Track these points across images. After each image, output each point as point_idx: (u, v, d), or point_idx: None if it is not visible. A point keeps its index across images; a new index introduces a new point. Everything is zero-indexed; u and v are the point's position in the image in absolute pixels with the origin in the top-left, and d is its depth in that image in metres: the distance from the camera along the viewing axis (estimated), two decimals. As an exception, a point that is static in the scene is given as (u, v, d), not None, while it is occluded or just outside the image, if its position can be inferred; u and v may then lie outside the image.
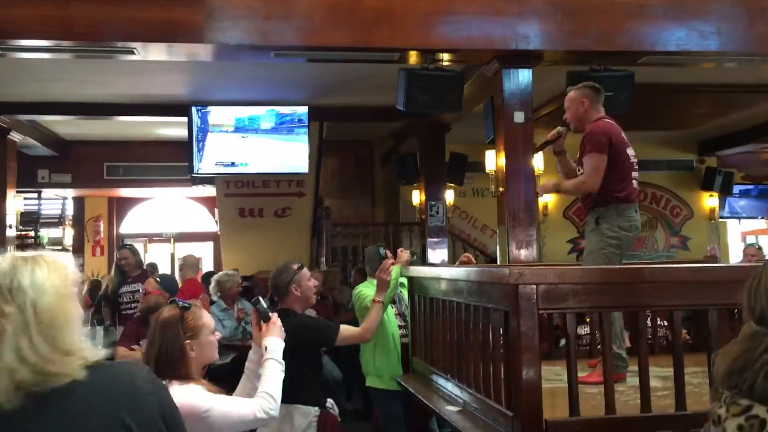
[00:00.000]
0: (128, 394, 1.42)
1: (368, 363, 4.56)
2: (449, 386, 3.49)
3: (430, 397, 3.62)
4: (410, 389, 3.90)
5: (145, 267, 7.27)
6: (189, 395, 2.29)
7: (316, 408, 3.52)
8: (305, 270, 3.76)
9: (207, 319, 2.55)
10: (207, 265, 12.24)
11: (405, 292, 4.59)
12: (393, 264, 3.95)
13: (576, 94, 4.00)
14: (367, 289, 4.51)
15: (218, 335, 2.60)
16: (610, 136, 3.76)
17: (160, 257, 12.33)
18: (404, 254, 4.07)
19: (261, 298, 2.77)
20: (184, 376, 2.39)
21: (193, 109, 8.02)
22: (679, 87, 7.75)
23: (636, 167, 3.87)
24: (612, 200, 3.77)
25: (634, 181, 3.84)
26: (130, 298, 6.54)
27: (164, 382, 2.30)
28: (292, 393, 3.32)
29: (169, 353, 2.40)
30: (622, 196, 3.77)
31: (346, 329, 3.74)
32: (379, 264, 3.89)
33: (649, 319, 4.25)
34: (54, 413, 1.36)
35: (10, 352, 1.36)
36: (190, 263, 7.43)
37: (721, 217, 11.76)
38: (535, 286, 2.61)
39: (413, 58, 5.69)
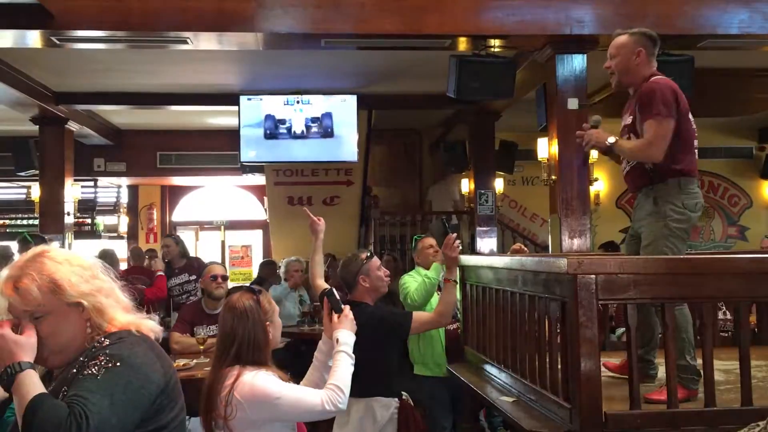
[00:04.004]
0: None
1: (414, 351, 4.52)
2: (503, 377, 3.44)
3: (483, 387, 3.57)
4: (462, 379, 3.85)
5: (191, 257, 7.07)
6: (263, 381, 2.31)
7: (396, 399, 3.44)
8: (375, 259, 3.56)
9: (272, 300, 2.59)
10: (256, 253, 12.40)
11: None
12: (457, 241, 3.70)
13: (629, 40, 3.26)
14: (410, 279, 4.44)
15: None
16: (677, 96, 3.13)
17: (210, 245, 12.57)
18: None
19: (333, 289, 2.73)
20: (264, 362, 2.40)
21: (243, 98, 8.09)
22: (739, 71, 7.50)
23: (696, 135, 3.26)
24: (673, 173, 3.13)
25: (696, 150, 3.24)
26: (180, 291, 6.47)
27: (237, 367, 2.33)
28: (369, 387, 3.28)
29: (255, 339, 2.40)
30: (686, 168, 3.15)
31: (420, 315, 3.62)
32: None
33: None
34: None
35: None
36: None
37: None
38: (594, 276, 2.55)
39: (463, 44, 5.62)
